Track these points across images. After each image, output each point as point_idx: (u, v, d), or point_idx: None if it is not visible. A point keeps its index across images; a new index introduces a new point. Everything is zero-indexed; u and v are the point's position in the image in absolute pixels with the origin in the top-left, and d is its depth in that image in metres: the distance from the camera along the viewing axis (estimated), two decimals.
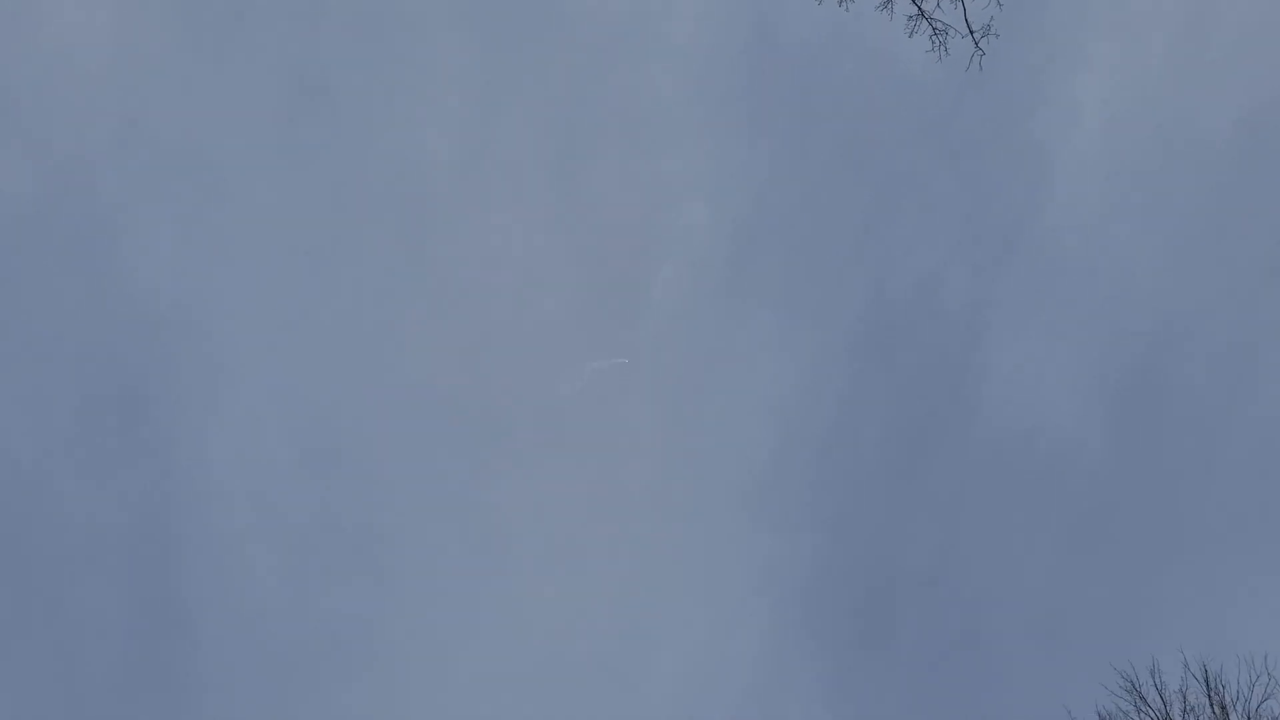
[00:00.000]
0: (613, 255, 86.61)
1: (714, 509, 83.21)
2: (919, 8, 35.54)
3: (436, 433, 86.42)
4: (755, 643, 76.83)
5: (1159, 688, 40.12)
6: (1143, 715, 39.94)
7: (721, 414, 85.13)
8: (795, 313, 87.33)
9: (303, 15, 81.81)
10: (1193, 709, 39.36)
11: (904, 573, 78.42)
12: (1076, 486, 77.21)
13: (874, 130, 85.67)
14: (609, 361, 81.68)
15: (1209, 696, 39.37)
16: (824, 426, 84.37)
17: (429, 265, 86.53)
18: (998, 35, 35.79)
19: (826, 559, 79.96)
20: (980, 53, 36.00)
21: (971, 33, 35.61)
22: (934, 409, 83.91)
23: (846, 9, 36.20)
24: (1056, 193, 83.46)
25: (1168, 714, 39.59)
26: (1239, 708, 38.90)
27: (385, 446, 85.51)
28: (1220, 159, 79.32)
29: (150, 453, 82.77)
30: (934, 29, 35.78)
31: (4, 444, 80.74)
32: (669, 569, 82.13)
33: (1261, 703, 38.75)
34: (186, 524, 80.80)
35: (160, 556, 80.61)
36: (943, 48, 35.99)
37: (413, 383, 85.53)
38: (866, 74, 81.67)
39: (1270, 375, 72.52)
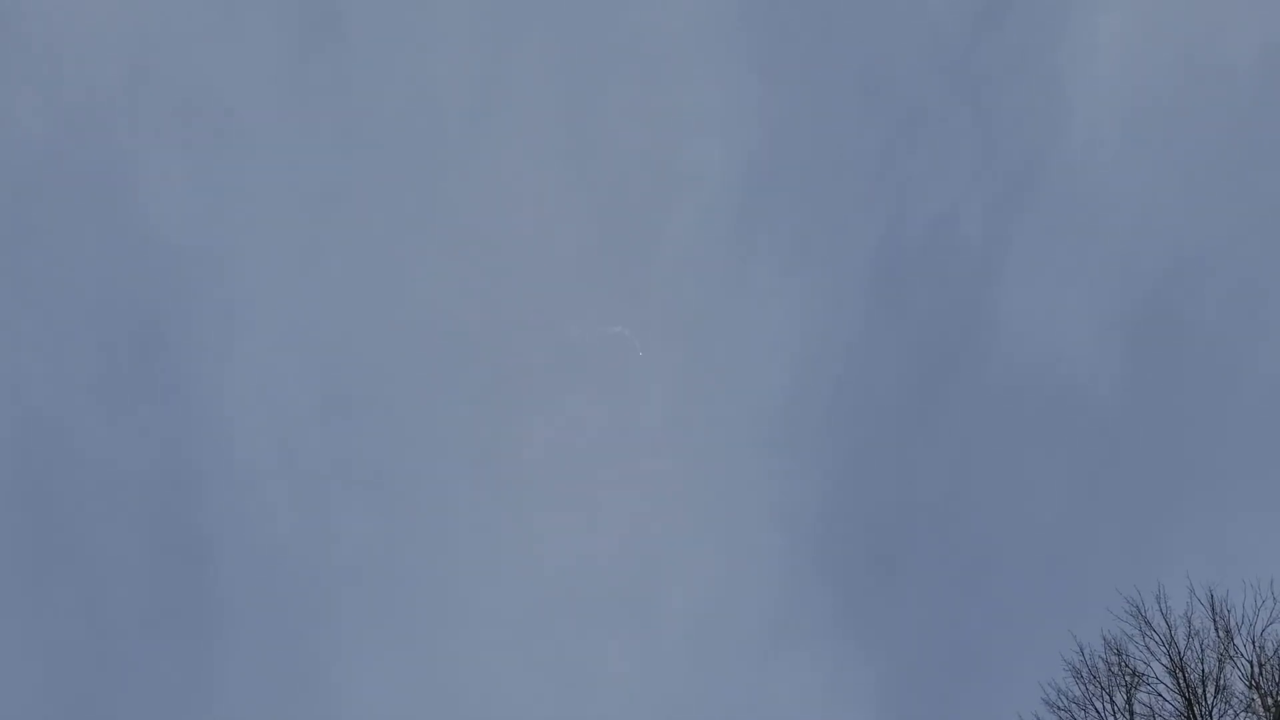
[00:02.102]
0: (626, 192, 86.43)
1: (729, 445, 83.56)
2: None
3: (452, 371, 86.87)
4: (770, 574, 77.37)
5: (1164, 613, 40.20)
6: (1148, 640, 40.11)
7: (736, 351, 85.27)
8: (809, 250, 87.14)
9: None
10: (1197, 633, 39.51)
11: (917, 506, 78.71)
12: (1090, 420, 77.22)
13: (890, 66, 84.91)
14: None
15: (1214, 621, 39.50)
16: (839, 362, 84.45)
17: (443, 203, 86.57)
18: None
19: (841, 493, 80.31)
20: None
21: None
22: (949, 345, 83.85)
23: None
24: (1075, 129, 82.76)
25: (1173, 639, 39.73)
26: (1244, 631, 39.01)
27: (401, 385, 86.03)
28: (1241, 94, 78.42)
29: (169, 392, 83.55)
30: None
31: (26, 386, 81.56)
32: (684, 505, 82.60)
33: (1267, 626, 38.83)
34: (206, 461, 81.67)
35: (180, 494, 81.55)
36: None
37: (428, 322, 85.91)
38: (883, 8, 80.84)
39: None
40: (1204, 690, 38.51)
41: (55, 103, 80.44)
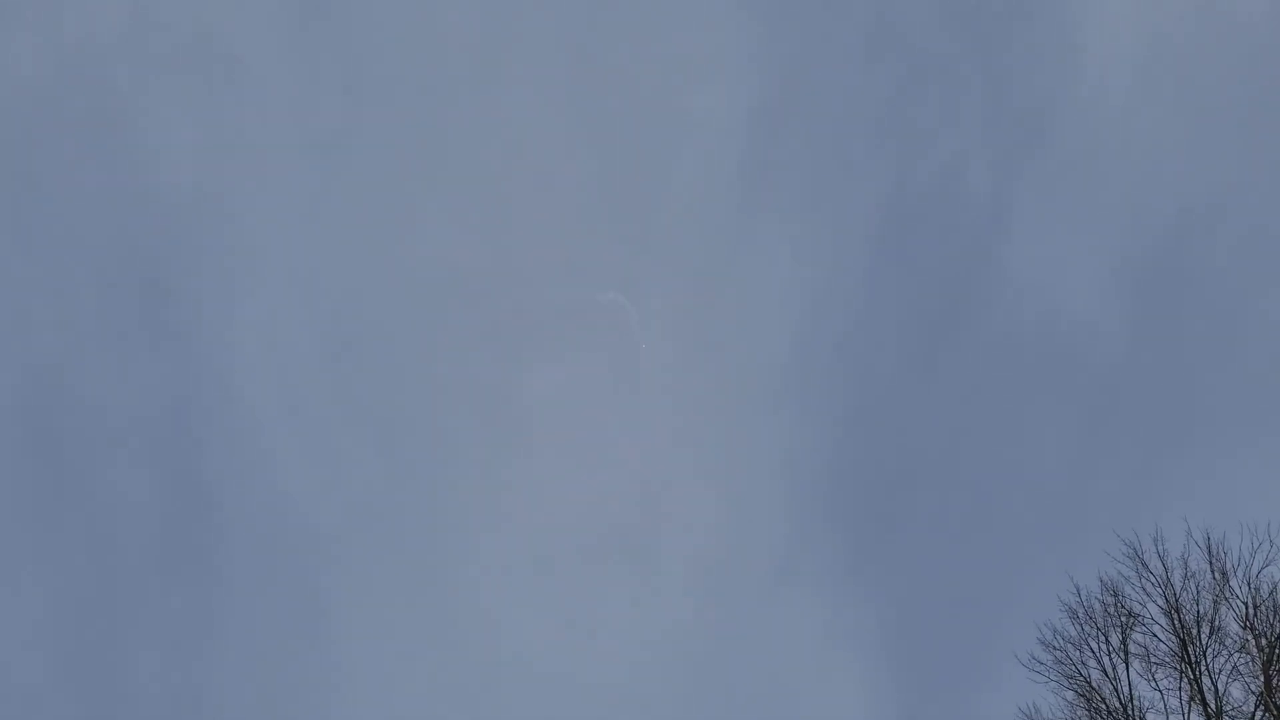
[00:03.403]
0: (630, 140, 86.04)
1: (733, 394, 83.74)
2: None
3: (457, 318, 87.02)
4: (774, 521, 77.80)
5: (1161, 555, 40.34)
6: (1144, 582, 40.28)
7: (741, 300, 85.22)
8: (815, 199, 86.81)
9: None
10: (1194, 575, 39.66)
11: (922, 453, 78.98)
12: (1094, 369, 77.25)
13: (897, 12, 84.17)
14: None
15: (1210, 563, 39.63)
16: (844, 311, 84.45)
17: (447, 150, 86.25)
18: None
19: (846, 441, 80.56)
20: None
21: None
22: (954, 295, 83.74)
23: None
24: (1085, 77, 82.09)
25: (1169, 580, 39.91)
26: (1240, 573, 39.14)
27: (406, 331, 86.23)
28: (1253, 42, 77.67)
29: (174, 340, 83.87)
30: None
31: (30, 333, 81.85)
32: (688, 453, 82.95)
33: (1262, 569, 38.97)
34: (211, 406, 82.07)
35: (186, 439, 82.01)
36: None
37: (433, 268, 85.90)
38: None
39: None
40: (1198, 631, 38.74)
41: (55, 44, 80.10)
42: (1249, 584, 38.91)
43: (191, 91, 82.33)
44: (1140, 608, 39.98)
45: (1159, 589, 39.76)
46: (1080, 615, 40.64)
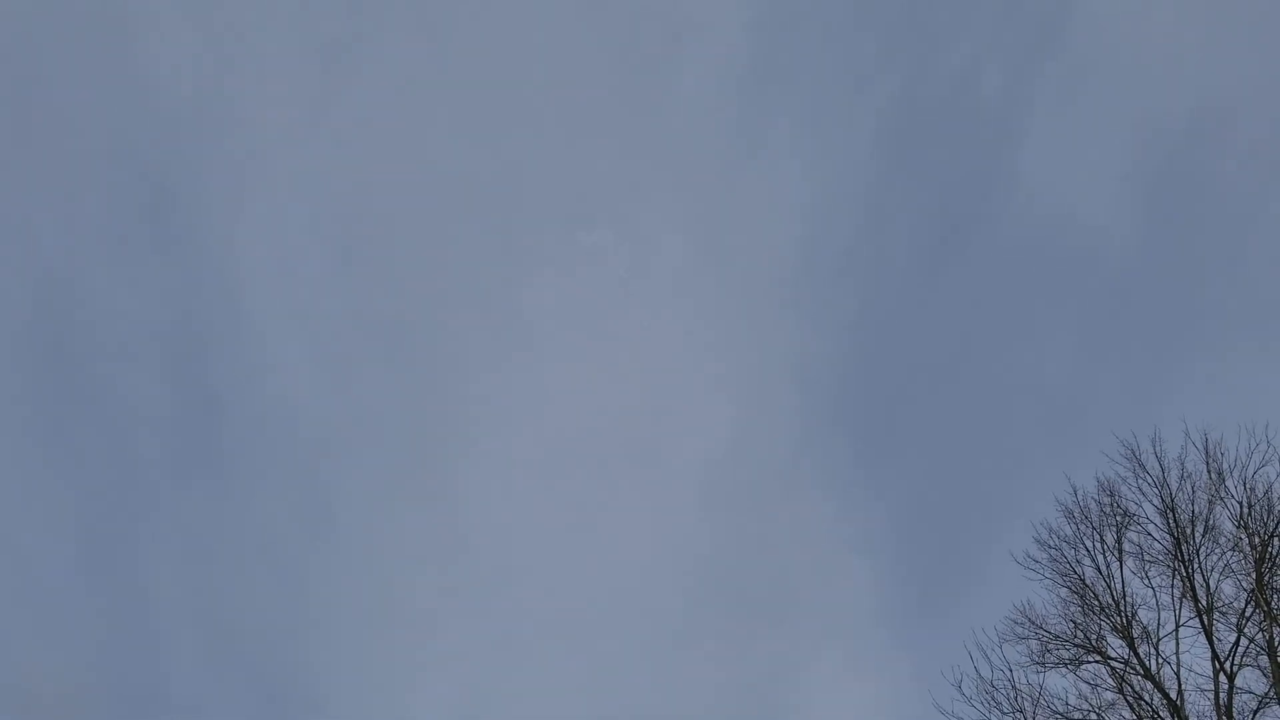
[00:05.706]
0: (637, 41, 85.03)
1: (742, 300, 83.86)
2: None
3: (465, 222, 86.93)
4: (784, 425, 78.41)
5: (1159, 456, 40.64)
6: (1141, 482, 40.64)
7: (750, 206, 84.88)
8: (827, 104, 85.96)
9: None
10: (1190, 476, 40.00)
11: (930, 358, 79.26)
12: (1102, 274, 77.09)
13: None
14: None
15: (1207, 464, 39.96)
16: (854, 218, 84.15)
17: (452, 53, 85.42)
18: None
19: (856, 347, 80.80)
20: None
21: None
22: (965, 201, 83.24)
23: None
24: None
25: (1165, 481, 40.28)
26: (1235, 474, 39.47)
27: (414, 237, 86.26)
28: None
29: (180, 247, 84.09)
30: None
31: (37, 244, 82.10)
32: (697, 358, 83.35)
33: (1258, 469, 39.31)
34: (217, 315, 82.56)
35: (193, 346, 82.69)
36: None
37: (440, 173, 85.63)
38: None
39: None
40: (1192, 530, 39.18)
41: None
42: (1244, 484, 39.30)
43: None
44: (1136, 508, 40.43)
45: (1155, 489, 40.16)
46: (1076, 515, 41.12)
